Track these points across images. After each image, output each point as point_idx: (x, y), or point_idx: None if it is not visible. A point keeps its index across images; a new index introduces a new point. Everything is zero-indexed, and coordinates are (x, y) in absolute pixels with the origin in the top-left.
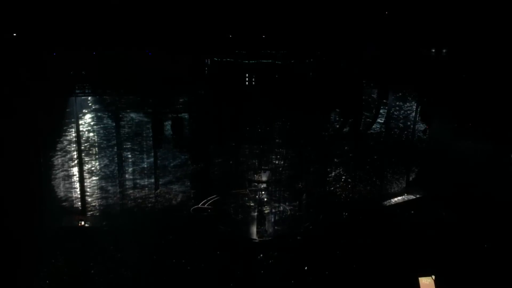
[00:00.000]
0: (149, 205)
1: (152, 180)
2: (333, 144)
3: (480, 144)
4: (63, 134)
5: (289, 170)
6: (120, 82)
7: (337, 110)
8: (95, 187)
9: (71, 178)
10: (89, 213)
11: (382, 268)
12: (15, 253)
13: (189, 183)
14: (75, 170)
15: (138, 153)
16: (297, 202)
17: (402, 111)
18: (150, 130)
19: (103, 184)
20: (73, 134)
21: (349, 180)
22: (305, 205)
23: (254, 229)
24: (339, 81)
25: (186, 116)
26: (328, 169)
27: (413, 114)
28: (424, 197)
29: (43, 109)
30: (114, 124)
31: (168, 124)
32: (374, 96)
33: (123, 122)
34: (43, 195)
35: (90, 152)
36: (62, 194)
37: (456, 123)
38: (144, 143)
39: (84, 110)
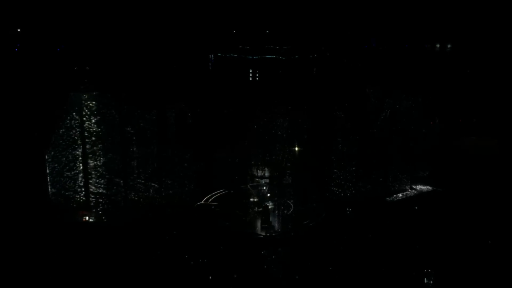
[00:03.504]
0: (153, 200)
1: (156, 176)
2: (336, 140)
3: (485, 140)
4: (67, 129)
5: (292, 166)
6: (124, 77)
7: (341, 105)
8: (99, 183)
9: (75, 173)
10: (93, 208)
11: (385, 263)
12: (19, 248)
13: (193, 179)
14: (79, 166)
15: (142, 148)
16: (301, 198)
17: (406, 107)
18: (155, 126)
19: (107, 180)
20: (77, 130)
21: (352, 176)
22: (308, 201)
23: (257, 225)
24: (342, 76)
25: (189, 111)
26: (332, 165)
27: (417, 109)
28: (428, 193)
29: (47, 105)
30: (118, 120)
31: (172, 119)
32: (378, 91)
33: (127, 118)
34: (47, 191)
35: (94, 147)
36: (66, 189)
37: (461, 118)
38: (148, 139)
39: (88, 106)
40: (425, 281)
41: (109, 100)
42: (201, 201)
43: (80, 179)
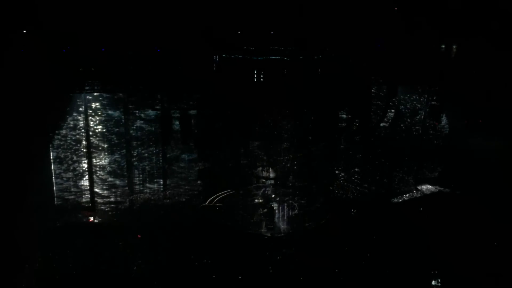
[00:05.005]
0: (158, 201)
1: (161, 177)
2: (341, 141)
3: (491, 141)
4: (72, 130)
5: (297, 167)
6: (128, 79)
7: (346, 106)
8: (104, 183)
9: (79, 174)
10: (98, 209)
11: (391, 265)
12: (21, 249)
13: (198, 180)
14: (83, 167)
15: (146, 149)
16: (305, 199)
17: (411, 107)
18: (159, 127)
19: (112, 180)
20: (82, 131)
21: (357, 177)
22: (313, 202)
23: (262, 226)
24: (347, 77)
25: (194, 113)
26: (337, 166)
27: (423, 110)
28: (433, 194)
29: (52, 105)
30: (122, 121)
31: (176, 120)
32: (383, 92)
33: (131, 119)
34: (50, 191)
35: (99, 148)
36: (70, 190)
37: (466, 119)
38: (153, 140)
39: (93, 107)
40: (432, 282)
41: (113, 101)
42: (206, 202)
43: (84, 180)
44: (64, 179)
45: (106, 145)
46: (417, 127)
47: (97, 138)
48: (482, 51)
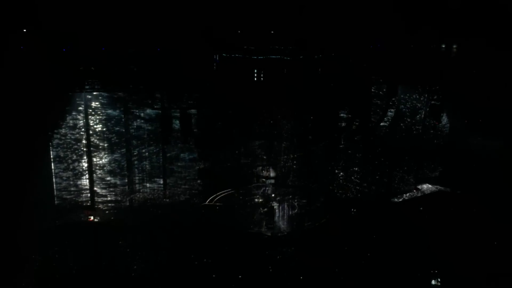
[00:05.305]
0: (158, 201)
1: (161, 176)
2: (341, 141)
3: (490, 140)
4: (72, 129)
5: (297, 166)
6: (129, 78)
7: (346, 106)
8: (104, 183)
9: (79, 173)
10: (98, 208)
11: (391, 265)
12: (21, 249)
13: (198, 179)
14: (83, 166)
15: (146, 148)
16: (305, 199)
17: (412, 107)
18: (159, 126)
19: (112, 180)
20: (82, 130)
21: (357, 176)
22: (313, 202)
23: (262, 225)
24: (347, 77)
25: (194, 112)
26: (337, 166)
27: (423, 109)
28: (434, 194)
29: (52, 105)
30: (122, 120)
31: (177, 120)
32: (383, 92)
33: (131, 118)
34: (50, 190)
35: (99, 147)
36: (70, 189)
37: (466, 119)
38: (153, 139)
39: (93, 106)
40: (432, 282)
41: (114, 100)
42: (206, 201)
43: (84, 179)
44: (64, 178)
45: (106, 144)
46: (417, 127)
47: (97, 137)
48: (482, 51)
